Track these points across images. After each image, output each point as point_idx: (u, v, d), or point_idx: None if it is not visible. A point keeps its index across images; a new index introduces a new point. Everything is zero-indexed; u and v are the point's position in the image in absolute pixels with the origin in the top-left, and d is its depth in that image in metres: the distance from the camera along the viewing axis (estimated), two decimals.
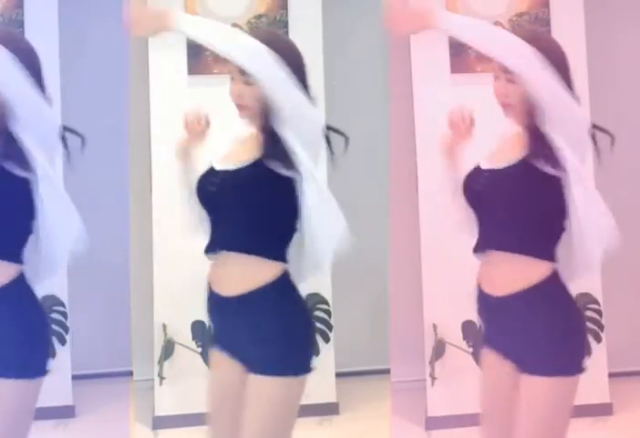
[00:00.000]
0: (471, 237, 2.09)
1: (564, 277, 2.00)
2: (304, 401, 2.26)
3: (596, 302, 3.47)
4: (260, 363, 1.94)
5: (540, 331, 1.97)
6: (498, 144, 2.12)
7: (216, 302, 2.04)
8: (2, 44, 1.90)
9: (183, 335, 3.47)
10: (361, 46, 4.03)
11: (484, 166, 2.09)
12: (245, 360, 1.99)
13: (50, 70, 3.42)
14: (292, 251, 2.00)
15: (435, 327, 3.49)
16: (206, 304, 2.07)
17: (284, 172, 1.93)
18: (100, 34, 3.89)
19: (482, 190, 2.07)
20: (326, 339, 3.56)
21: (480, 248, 2.07)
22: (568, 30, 3.52)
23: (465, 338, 3.46)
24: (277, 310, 1.96)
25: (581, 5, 3.54)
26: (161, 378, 3.46)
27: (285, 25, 3.54)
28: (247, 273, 1.96)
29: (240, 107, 2.03)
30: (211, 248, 2.02)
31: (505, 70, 2.02)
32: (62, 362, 3.45)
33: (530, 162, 1.98)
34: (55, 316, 3.46)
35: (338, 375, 3.54)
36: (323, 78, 3.55)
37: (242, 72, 1.98)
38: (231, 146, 2.09)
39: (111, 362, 3.78)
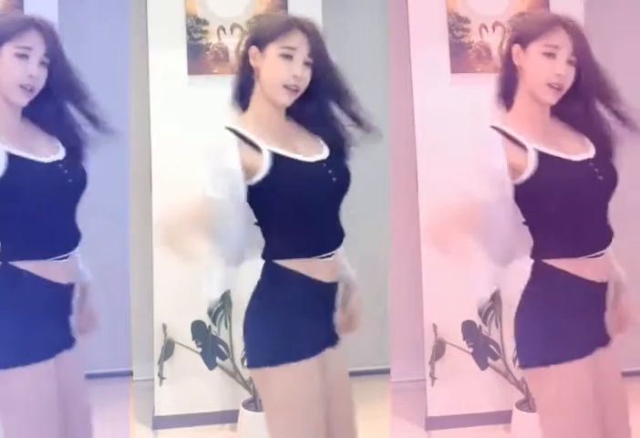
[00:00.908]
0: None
1: None
2: None
3: None
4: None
5: None
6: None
7: (325, 291, 2.03)
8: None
9: (183, 335, 3.47)
10: (361, 46, 4.03)
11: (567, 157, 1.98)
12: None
13: None
14: None
15: (435, 327, 3.49)
16: (303, 293, 1.99)
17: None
18: (100, 34, 3.89)
19: (601, 182, 2.00)
20: None
21: (598, 249, 2.00)
22: None
23: (465, 338, 3.45)
24: None
25: (581, 5, 3.54)
26: (161, 378, 3.46)
27: None
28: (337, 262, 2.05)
29: (292, 89, 1.96)
30: (336, 245, 2.02)
31: (573, 51, 1.97)
32: None
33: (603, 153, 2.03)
34: None
35: None
36: None
37: (312, 53, 1.96)
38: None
39: (111, 362, 3.78)
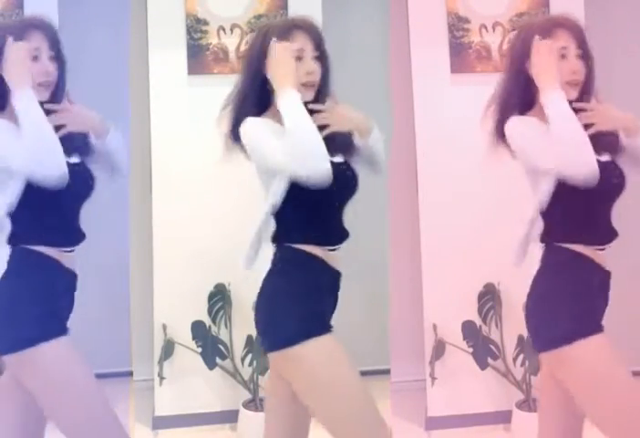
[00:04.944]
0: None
1: None
2: None
3: None
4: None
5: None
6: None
7: (334, 277, 2.10)
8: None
9: (183, 335, 3.47)
10: (361, 46, 4.03)
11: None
12: None
13: None
14: None
15: (435, 327, 3.49)
16: (321, 280, 2.08)
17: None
18: (100, 34, 3.89)
19: (617, 183, 2.09)
20: None
21: (606, 242, 2.09)
22: None
23: (465, 338, 3.45)
24: None
25: (581, 5, 3.55)
26: (161, 378, 3.46)
27: None
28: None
29: (309, 86, 2.03)
30: (341, 240, 2.09)
31: (578, 45, 2.04)
32: None
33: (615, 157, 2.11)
34: None
35: None
36: None
37: (317, 47, 2.02)
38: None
39: (111, 362, 3.78)
